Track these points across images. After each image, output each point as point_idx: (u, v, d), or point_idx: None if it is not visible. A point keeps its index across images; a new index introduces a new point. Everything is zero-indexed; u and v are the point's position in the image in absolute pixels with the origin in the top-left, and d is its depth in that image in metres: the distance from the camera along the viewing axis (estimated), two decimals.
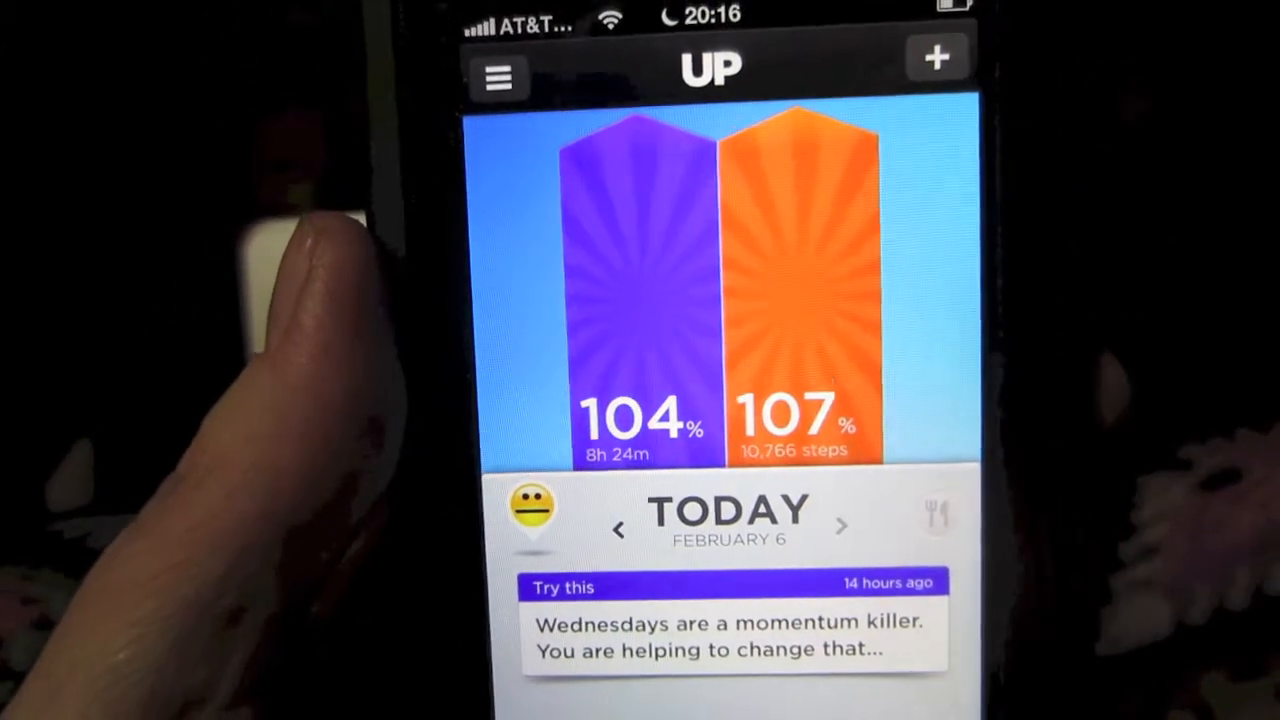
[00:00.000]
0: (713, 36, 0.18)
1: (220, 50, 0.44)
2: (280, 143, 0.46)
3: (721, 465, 0.18)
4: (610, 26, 0.18)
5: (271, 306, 0.17)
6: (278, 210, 0.45)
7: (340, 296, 0.17)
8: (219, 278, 0.42)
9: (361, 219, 0.18)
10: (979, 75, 0.17)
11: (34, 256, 0.43)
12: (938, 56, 0.17)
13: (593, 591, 0.18)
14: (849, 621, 0.18)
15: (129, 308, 0.45)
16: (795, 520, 0.18)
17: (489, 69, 0.18)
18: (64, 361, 0.44)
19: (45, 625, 0.38)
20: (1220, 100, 0.38)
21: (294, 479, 0.16)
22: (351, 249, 0.17)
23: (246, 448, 0.16)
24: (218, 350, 0.42)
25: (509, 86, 0.18)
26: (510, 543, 0.18)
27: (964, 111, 0.18)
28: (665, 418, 0.18)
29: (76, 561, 0.39)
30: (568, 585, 0.18)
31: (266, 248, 0.42)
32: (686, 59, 0.18)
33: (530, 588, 0.19)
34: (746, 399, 0.18)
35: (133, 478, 0.44)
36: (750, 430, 0.18)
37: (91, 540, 0.41)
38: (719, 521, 0.18)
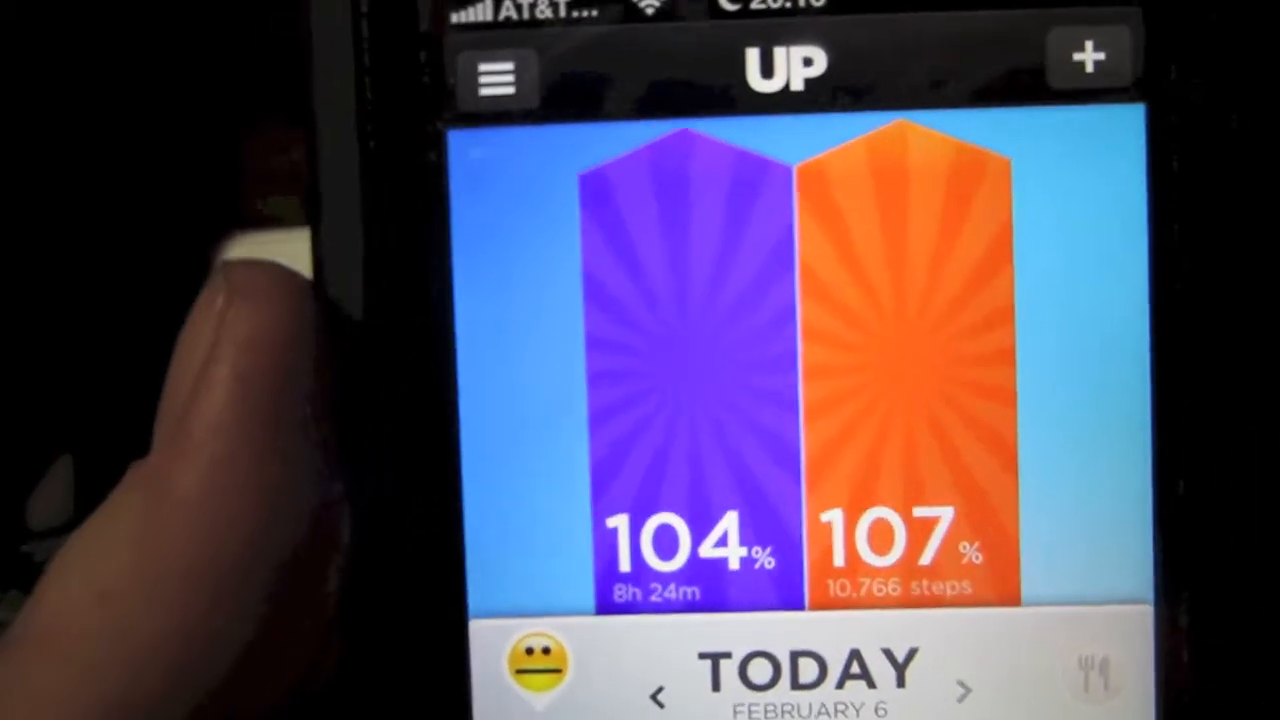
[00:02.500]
0: (789, 26, 0.15)
1: (203, 61, 0.45)
2: (265, 156, 0.47)
3: (800, 608, 0.16)
4: (649, 12, 0.15)
5: (163, 395, 0.14)
6: (262, 224, 0.46)
7: (253, 385, 0.14)
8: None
9: (305, 268, 0.15)
10: (1144, 82, 0.15)
11: (13, 271, 0.43)
12: (1089, 56, 0.15)
13: None
14: None
15: (111, 322, 0.46)
16: (900, 683, 0.15)
17: (484, 67, 0.15)
18: (45, 376, 0.44)
19: None
20: None
21: (163, 655, 0.13)
22: (276, 314, 0.14)
23: (97, 609, 0.13)
24: None
25: (511, 91, 0.15)
26: (509, 713, 0.15)
27: (1125, 129, 0.15)
28: (722, 542, 0.16)
29: None
30: None
31: None
32: (752, 55, 0.15)
33: None
34: (833, 516, 0.16)
35: None
36: (839, 560, 0.16)
37: None
38: (796, 685, 0.15)
